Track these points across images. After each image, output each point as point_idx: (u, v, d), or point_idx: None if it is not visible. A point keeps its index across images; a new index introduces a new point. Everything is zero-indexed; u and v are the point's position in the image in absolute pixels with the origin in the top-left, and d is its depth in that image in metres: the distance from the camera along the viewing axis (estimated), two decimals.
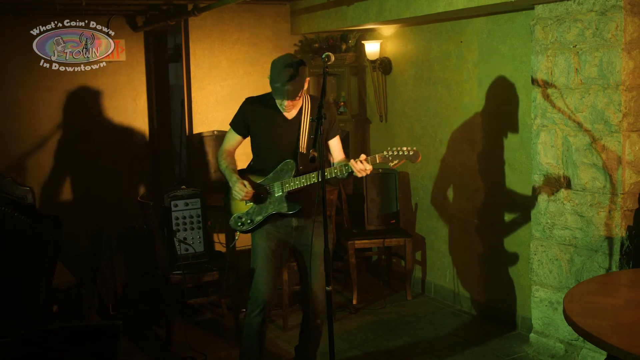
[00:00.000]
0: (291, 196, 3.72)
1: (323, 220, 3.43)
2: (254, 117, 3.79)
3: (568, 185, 4.13)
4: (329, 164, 3.89)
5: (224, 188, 3.92)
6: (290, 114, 3.75)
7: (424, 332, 4.93)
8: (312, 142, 3.50)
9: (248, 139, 3.91)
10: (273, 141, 3.78)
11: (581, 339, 3.98)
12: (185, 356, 4.53)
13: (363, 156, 3.55)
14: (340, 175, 3.63)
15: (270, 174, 3.77)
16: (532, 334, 4.46)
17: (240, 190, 3.70)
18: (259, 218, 3.78)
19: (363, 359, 4.51)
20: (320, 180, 3.34)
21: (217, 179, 5.92)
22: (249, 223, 3.81)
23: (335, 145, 3.87)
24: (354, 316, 5.25)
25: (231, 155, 3.89)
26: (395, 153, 3.52)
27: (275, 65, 3.61)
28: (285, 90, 3.57)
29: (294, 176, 3.70)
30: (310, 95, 3.85)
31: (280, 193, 3.73)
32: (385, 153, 3.53)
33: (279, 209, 3.74)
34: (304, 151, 3.72)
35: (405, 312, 5.33)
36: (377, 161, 3.54)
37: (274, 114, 3.74)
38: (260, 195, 3.76)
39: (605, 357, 2.75)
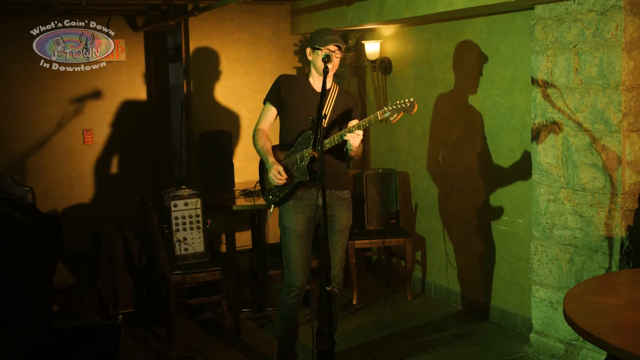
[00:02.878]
0: (312, 165, 3.88)
1: (323, 220, 3.44)
2: (287, 89, 4.04)
3: (568, 185, 4.13)
4: (340, 154, 4.04)
5: (260, 166, 4.16)
6: (318, 87, 3.96)
7: (423, 332, 4.93)
8: (312, 142, 3.51)
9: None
10: (301, 111, 3.97)
11: (581, 339, 3.98)
12: (185, 356, 4.53)
13: (354, 122, 3.76)
14: (339, 141, 3.79)
15: (293, 147, 3.98)
16: (532, 334, 4.46)
17: (275, 176, 3.92)
18: (286, 190, 3.98)
19: (363, 358, 4.52)
20: (319, 177, 3.34)
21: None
22: (279, 195, 4.02)
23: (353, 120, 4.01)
24: (354, 316, 5.25)
25: (265, 134, 4.09)
26: (393, 107, 3.63)
27: (317, 30, 3.98)
28: (337, 38, 3.85)
29: (313, 145, 3.86)
30: (341, 88, 4.09)
31: (303, 163, 3.90)
32: (385, 108, 3.65)
33: (301, 178, 3.91)
34: (324, 124, 3.80)
35: (405, 312, 5.33)
36: (379, 118, 3.65)
37: (305, 86, 4.02)
38: (287, 170, 3.97)
39: (605, 357, 2.75)
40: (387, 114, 3.63)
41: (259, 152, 4.07)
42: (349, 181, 4.16)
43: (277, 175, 3.91)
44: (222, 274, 4.83)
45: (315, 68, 3.99)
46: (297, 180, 3.94)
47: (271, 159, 3.97)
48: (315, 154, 3.38)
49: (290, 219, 4.00)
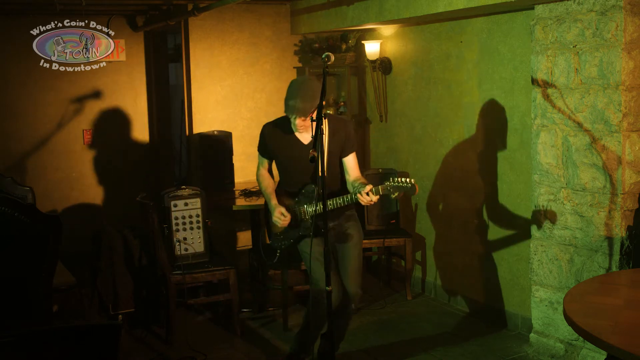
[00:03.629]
0: (316, 218, 3.80)
1: (323, 221, 3.43)
2: (272, 142, 3.98)
3: (568, 185, 4.13)
4: (344, 183, 3.98)
5: (264, 209, 4.17)
6: (305, 137, 3.88)
7: (423, 331, 4.93)
8: (312, 142, 3.51)
9: None
10: (292, 165, 3.95)
11: (581, 339, 3.98)
12: (185, 356, 4.53)
13: (369, 187, 3.63)
14: (351, 201, 3.78)
15: (297, 198, 3.96)
16: (532, 334, 4.46)
17: (278, 218, 3.93)
18: (291, 239, 4.02)
19: (363, 358, 4.51)
20: (320, 176, 3.34)
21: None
22: (284, 242, 4.05)
23: (350, 162, 3.93)
24: (354, 316, 5.22)
25: (267, 176, 4.13)
26: (395, 185, 3.58)
27: (292, 83, 3.81)
28: (295, 107, 3.69)
29: (315, 201, 3.81)
30: (329, 116, 3.93)
31: (307, 217, 3.92)
32: (387, 184, 3.60)
33: (305, 232, 3.93)
34: (325, 174, 3.67)
35: (405, 312, 5.33)
36: (380, 193, 3.62)
37: (290, 139, 3.90)
38: (294, 218, 3.97)
39: (605, 357, 2.75)
40: (387, 191, 3.59)
41: (262, 193, 4.11)
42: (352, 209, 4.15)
43: (281, 217, 3.91)
44: (222, 274, 4.82)
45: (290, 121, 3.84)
46: (301, 233, 3.96)
47: (274, 201, 3.98)
48: (315, 154, 3.36)
49: (306, 244, 3.94)
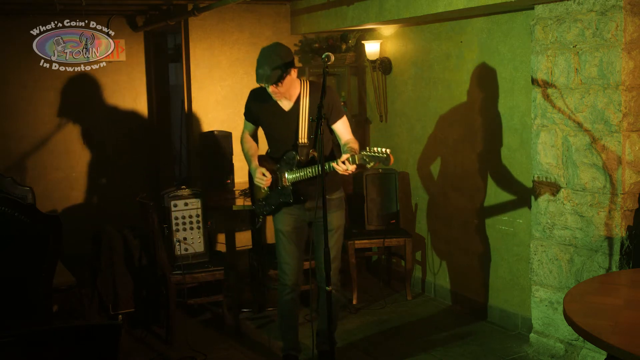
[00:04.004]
0: (296, 187, 3.91)
1: (323, 221, 3.43)
2: (256, 109, 4.02)
3: (568, 185, 4.13)
4: (337, 147, 3.98)
5: (249, 176, 4.19)
6: (287, 104, 3.88)
7: (423, 331, 4.93)
8: (312, 142, 3.51)
9: None
10: (275, 132, 3.99)
11: (581, 339, 3.98)
12: (185, 356, 4.53)
13: (345, 156, 3.61)
14: (328, 171, 3.71)
15: (279, 164, 3.98)
16: (532, 334, 4.46)
17: (260, 179, 3.96)
18: (272, 206, 4.04)
19: (363, 358, 4.51)
20: (320, 181, 3.33)
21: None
22: (266, 208, 4.08)
23: (340, 128, 3.92)
24: (354, 316, 5.25)
25: (251, 140, 4.16)
26: (370, 154, 3.49)
27: (260, 51, 3.79)
28: (263, 75, 3.68)
29: (297, 167, 3.86)
30: (310, 82, 3.92)
31: (287, 184, 3.92)
32: (363, 153, 3.52)
33: (285, 199, 3.96)
34: (305, 141, 3.83)
35: (405, 312, 5.33)
36: (357, 162, 3.57)
37: (272, 106, 3.92)
38: (274, 182, 3.99)
39: (605, 357, 2.75)
40: (362, 161, 3.52)
41: (245, 155, 4.15)
42: (339, 182, 4.13)
43: (262, 177, 3.95)
44: (222, 274, 4.82)
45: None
46: (281, 199, 3.99)
47: (254, 163, 4.03)
48: (316, 154, 3.37)
49: (278, 219, 4.07)
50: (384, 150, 3.49)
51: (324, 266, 3.74)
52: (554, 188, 4.22)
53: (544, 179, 4.28)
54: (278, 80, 3.70)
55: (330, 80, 6.47)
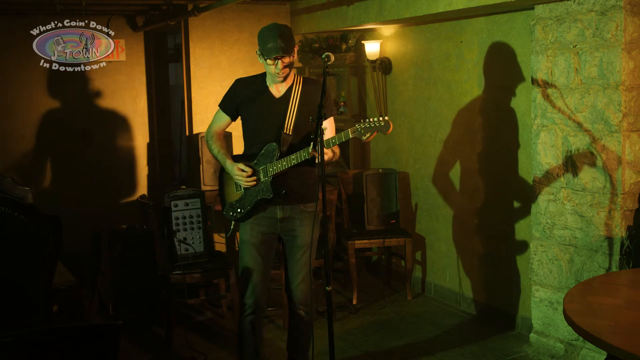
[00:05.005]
0: (276, 181, 3.60)
1: (323, 221, 3.41)
2: (242, 96, 3.71)
3: (568, 185, 4.13)
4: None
5: (219, 177, 3.86)
6: (278, 91, 3.66)
7: (423, 332, 4.93)
8: (312, 142, 3.48)
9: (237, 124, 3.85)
10: (260, 122, 3.68)
11: (581, 339, 3.98)
12: (185, 356, 4.53)
13: (332, 134, 3.45)
14: (307, 157, 3.47)
15: (256, 159, 3.66)
16: (532, 334, 4.46)
17: (241, 175, 3.61)
18: (248, 206, 3.68)
19: (363, 359, 4.51)
20: (319, 184, 3.31)
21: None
22: (240, 212, 3.72)
23: (327, 126, 3.62)
24: (354, 316, 5.25)
25: (220, 138, 3.79)
26: (366, 125, 3.34)
27: (262, 30, 3.55)
28: (278, 46, 3.45)
29: (277, 159, 3.57)
30: (303, 78, 3.75)
31: (266, 178, 3.61)
32: (357, 126, 3.38)
33: (265, 195, 3.62)
34: (290, 132, 3.60)
35: (405, 312, 5.33)
36: (350, 136, 3.38)
37: (261, 93, 3.66)
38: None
39: (605, 357, 2.75)
40: (358, 132, 3.35)
41: (215, 157, 3.78)
42: (331, 204, 3.98)
43: (241, 173, 3.60)
44: (222, 274, 4.82)
45: (268, 74, 3.65)
46: (260, 197, 3.63)
47: (229, 161, 3.67)
48: (316, 154, 3.33)
49: (245, 230, 3.72)
50: (381, 118, 3.33)
51: (298, 285, 3.66)
52: (554, 188, 4.22)
53: (544, 179, 4.28)
54: (291, 52, 3.51)
55: (330, 80, 6.47)
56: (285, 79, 3.63)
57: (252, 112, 3.71)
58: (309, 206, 3.70)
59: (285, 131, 3.62)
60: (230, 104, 3.76)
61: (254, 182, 3.63)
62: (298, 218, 3.69)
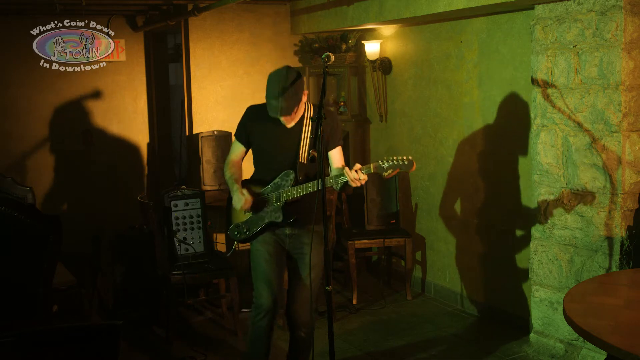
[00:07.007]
0: (287, 206, 3.63)
1: (323, 221, 3.40)
2: (252, 126, 3.71)
3: (568, 185, 4.13)
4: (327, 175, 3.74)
5: (227, 199, 3.87)
6: (288, 123, 3.64)
7: (424, 332, 4.93)
8: (312, 142, 3.48)
9: None
10: (272, 151, 3.69)
11: (581, 339, 3.98)
12: (185, 356, 4.53)
13: (358, 165, 3.43)
14: (335, 186, 3.52)
15: (270, 185, 3.68)
16: (532, 334, 4.46)
17: (239, 199, 3.64)
18: (255, 228, 3.71)
19: (363, 359, 4.51)
20: (319, 187, 3.30)
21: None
22: (246, 232, 3.74)
23: (335, 156, 3.70)
24: (354, 316, 5.25)
25: (236, 165, 3.81)
26: (390, 163, 3.37)
27: (269, 79, 3.52)
28: (279, 107, 3.47)
29: (293, 186, 3.59)
30: (313, 104, 3.72)
31: (278, 203, 3.63)
32: (380, 162, 3.38)
33: (274, 219, 3.65)
34: (304, 161, 3.62)
35: (405, 312, 5.33)
36: (372, 171, 3.39)
37: (273, 124, 3.63)
38: (258, 205, 3.69)
39: (605, 357, 2.75)
40: (380, 169, 3.36)
41: (226, 181, 3.79)
42: (331, 203, 3.97)
43: (240, 197, 3.62)
44: (222, 274, 4.82)
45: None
46: (269, 219, 3.65)
47: (236, 186, 3.68)
48: (316, 154, 3.33)
49: (259, 241, 3.72)
50: (404, 157, 3.33)
51: (300, 306, 3.64)
52: (554, 188, 4.21)
53: (544, 179, 4.28)
54: (292, 111, 3.52)
55: (330, 80, 6.47)
56: (293, 118, 3.61)
57: (264, 142, 3.71)
58: (319, 226, 3.57)
59: (300, 160, 3.63)
60: (244, 134, 3.76)
61: (247, 206, 3.64)
62: (306, 236, 3.67)
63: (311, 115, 3.63)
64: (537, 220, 4.36)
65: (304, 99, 3.58)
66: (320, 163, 3.33)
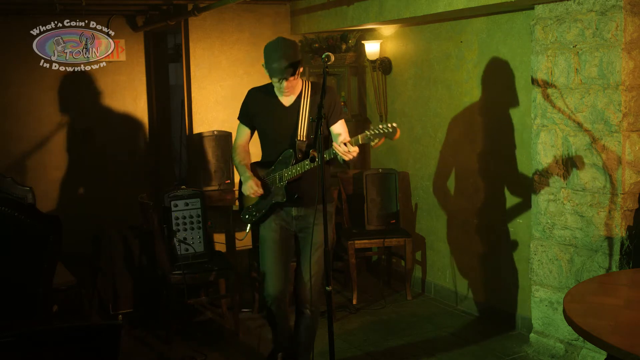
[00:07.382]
0: (290, 186, 3.76)
1: (323, 220, 3.42)
2: (254, 107, 3.87)
3: (568, 185, 4.13)
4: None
5: (239, 185, 4.00)
6: (288, 100, 3.78)
7: (424, 332, 4.93)
8: (312, 142, 3.48)
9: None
10: (274, 131, 3.83)
11: (581, 339, 3.98)
12: (185, 356, 4.53)
13: (347, 139, 3.53)
14: (330, 159, 3.61)
15: (273, 166, 3.83)
16: (532, 334, 4.46)
17: (250, 187, 3.79)
18: (263, 210, 3.86)
19: (363, 359, 4.51)
20: (320, 185, 3.32)
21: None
22: (255, 215, 3.89)
23: (338, 128, 3.78)
24: (354, 316, 5.25)
25: (244, 149, 3.96)
26: (375, 132, 3.40)
27: (268, 47, 3.66)
28: (282, 68, 3.57)
29: (292, 165, 3.73)
30: (311, 82, 3.86)
31: (281, 183, 3.77)
32: (366, 132, 3.43)
33: (278, 199, 3.80)
34: (303, 139, 3.73)
35: (405, 312, 5.33)
36: (360, 142, 3.46)
37: (272, 102, 3.79)
38: (265, 188, 3.84)
39: (605, 357, 2.75)
40: (367, 139, 3.42)
41: (236, 167, 3.95)
42: (331, 194, 4.02)
43: (252, 187, 3.77)
44: (222, 274, 4.82)
45: (274, 86, 3.76)
46: (274, 201, 3.81)
47: (248, 173, 3.84)
48: (316, 154, 3.35)
49: (264, 226, 3.88)
50: (388, 124, 3.39)
51: (306, 282, 3.74)
52: (554, 188, 4.21)
53: (544, 179, 4.28)
54: (295, 72, 3.61)
55: (330, 81, 6.47)
56: (293, 91, 3.74)
57: (265, 122, 3.86)
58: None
59: (299, 138, 3.75)
60: (246, 116, 3.92)
61: (258, 195, 3.80)
62: (312, 216, 3.74)
63: (309, 92, 3.77)
64: (537, 220, 4.36)
65: (301, 68, 3.69)
66: (320, 164, 3.34)
